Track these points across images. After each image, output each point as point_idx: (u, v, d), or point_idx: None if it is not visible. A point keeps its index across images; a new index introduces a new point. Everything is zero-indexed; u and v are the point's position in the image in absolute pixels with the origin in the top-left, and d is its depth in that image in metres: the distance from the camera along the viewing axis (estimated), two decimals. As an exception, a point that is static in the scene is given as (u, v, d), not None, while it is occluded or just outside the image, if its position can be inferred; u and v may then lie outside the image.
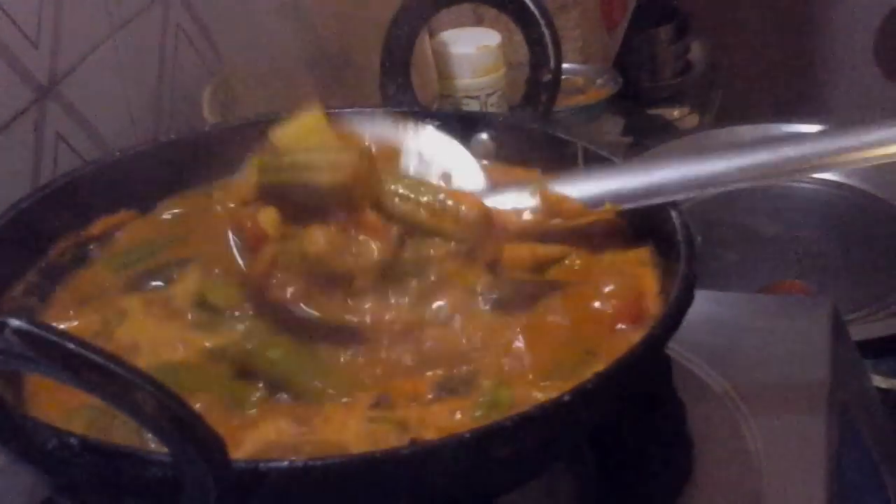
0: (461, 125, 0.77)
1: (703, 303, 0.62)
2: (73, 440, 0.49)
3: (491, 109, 1.12)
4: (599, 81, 1.38)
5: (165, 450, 0.46)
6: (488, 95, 1.13)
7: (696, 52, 2.03)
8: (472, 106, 1.12)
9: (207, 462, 0.44)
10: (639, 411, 0.66)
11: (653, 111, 1.91)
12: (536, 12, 0.74)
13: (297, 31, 1.02)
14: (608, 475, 0.65)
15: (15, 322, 0.42)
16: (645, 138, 1.58)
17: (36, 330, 0.42)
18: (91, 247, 0.72)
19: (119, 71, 1.04)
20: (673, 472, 0.66)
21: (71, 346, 0.42)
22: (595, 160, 0.72)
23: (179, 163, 0.76)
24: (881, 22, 2.29)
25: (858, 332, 0.87)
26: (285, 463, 0.48)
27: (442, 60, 1.11)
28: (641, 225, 0.68)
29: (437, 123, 0.76)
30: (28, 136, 0.91)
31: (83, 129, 0.98)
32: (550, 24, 0.74)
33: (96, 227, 0.73)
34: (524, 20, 0.74)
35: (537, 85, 0.75)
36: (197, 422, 0.44)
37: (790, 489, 0.65)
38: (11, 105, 0.89)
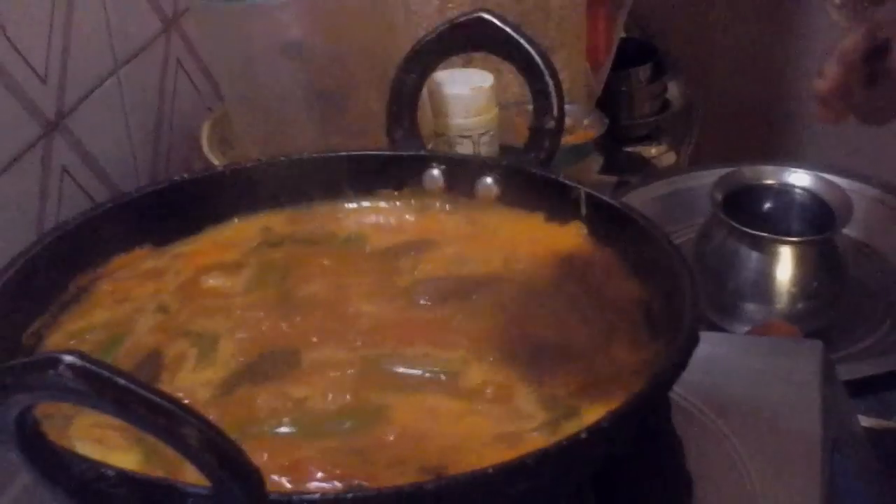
0: (467, 169, 0.80)
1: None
2: (109, 472, 0.51)
3: (483, 148, 1.15)
4: (586, 122, 1.40)
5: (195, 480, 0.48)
6: (481, 135, 1.15)
7: (674, 91, 2.06)
8: (466, 144, 1.14)
9: (247, 493, 0.46)
10: (639, 448, 0.69)
11: (631, 149, 1.95)
12: (541, 64, 0.76)
13: (296, 70, 1.03)
14: (610, 510, 0.67)
15: (69, 358, 0.44)
16: (626, 175, 1.62)
17: (89, 366, 0.44)
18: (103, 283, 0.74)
19: (121, 106, 1.06)
20: (672, 508, 0.68)
21: (122, 381, 0.44)
22: (595, 205, 0.75)
23: (191, 202, 0.78)
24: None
25: (842, 372, 0.89)
26: (317, 495, 0.50)
27: (436, 100, 1.13)
28: (643, 266, 0.72)
29: (443, 167, 0.79)
30: (35, 168, 0.93)
31: (87, 162, 1.00)
32: (554, 75, 0.77)
33: (112, 265, 0.75)
34: (529, 71, 0.77)
35: (541, 132, 0.78)
36: (238, 455, 0.46)
37: (787, 525, 0.67)
38: (21, 138, 0.91)
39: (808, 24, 2.32)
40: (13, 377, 0.45)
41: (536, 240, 0.78)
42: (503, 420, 0.62)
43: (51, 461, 0.50)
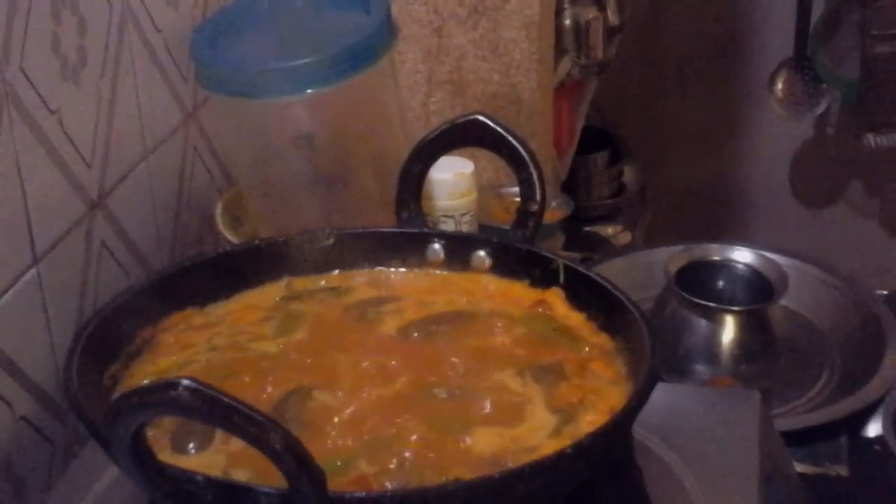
0: (464, 244, 0.95)
1: (656, 392, 0.78)
2: (199, 478, 0.65)
3: (465, 227, 1.28)
4: (554, 204, 1.54)
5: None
6: (462, 215, 1.28)
7: (629, 175, 2.20)
8: (449, 223, 1.28)
9: (315, 491, 0.60)
10: (607, 475, 0.83)
11: (589, 228, 2.09)
12: (527, 158, 0.91)
13: (305, 158, 1.17)
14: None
15: (186, 381, 0.58)
16: (586, 253, 1.76)
17: (202, 388, 0.58)
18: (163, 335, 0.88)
19: (150, 188, 1.20)
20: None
21: (226, 400, 0.58)
22: (572, 274, 0.91)
23: (233, 269, 0.93)
24: (795, 151, 2.50)
25: (779, 425, 1.03)
26: (363, 494, 0.64)
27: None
28: (609, 322, 0.87)
29: (443, 242, 0.95)
30: (80, 244, 1.06)
31: (121, 237, 1.13)
32: (538, 167, 0.92)
33: (169, 321, 0.89)
34: (517, 164, 0.92)
35: (526, 214, 0.93)
36: (310, 459, 0.60)
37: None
38: (69, 216, 1.03)
39: (752, 116, 2.49)
40: (138, 397, 0.59)
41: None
42: (525, 431, 0.77)
43: (155, 473, 0.64)
